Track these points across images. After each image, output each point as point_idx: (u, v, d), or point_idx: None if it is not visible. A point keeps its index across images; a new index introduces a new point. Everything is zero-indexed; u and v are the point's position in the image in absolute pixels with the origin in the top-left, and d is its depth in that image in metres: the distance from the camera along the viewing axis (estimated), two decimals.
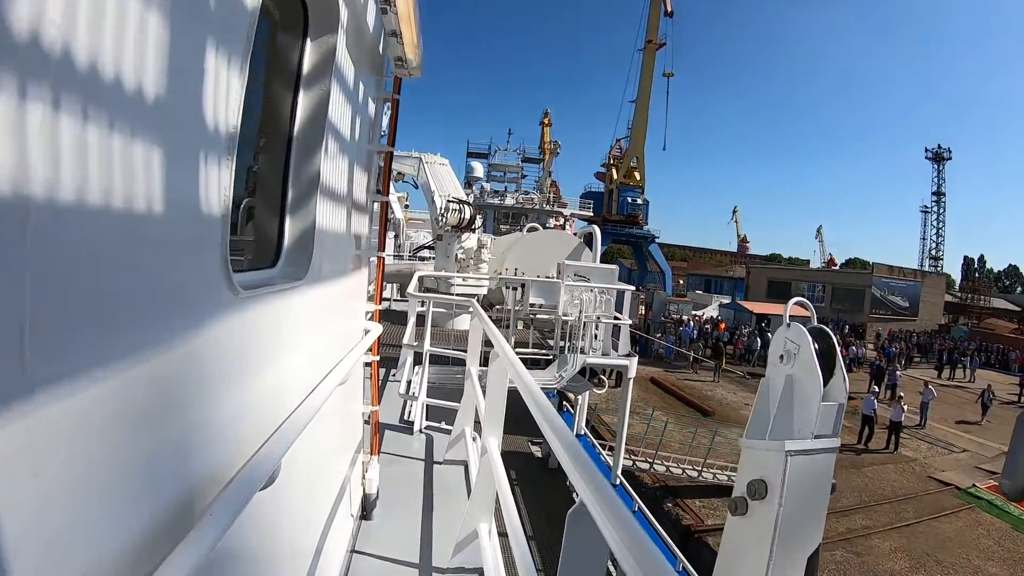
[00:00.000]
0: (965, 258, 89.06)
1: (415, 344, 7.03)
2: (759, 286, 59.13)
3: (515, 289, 9.17)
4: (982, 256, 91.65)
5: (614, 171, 56.05)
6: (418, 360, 7.01)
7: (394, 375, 8.35)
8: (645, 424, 20.29)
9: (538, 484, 13.71)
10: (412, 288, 6.90)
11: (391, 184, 13.69)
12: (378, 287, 4.30)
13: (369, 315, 4.24)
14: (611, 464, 11.76)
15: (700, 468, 17.69)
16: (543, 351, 9.63)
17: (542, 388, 2.64)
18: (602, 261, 11.94)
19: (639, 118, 55.33)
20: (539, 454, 15.13)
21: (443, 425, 6.71)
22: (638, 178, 56.02)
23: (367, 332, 4.06)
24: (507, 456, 3.44)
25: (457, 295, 10.41)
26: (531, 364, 9.36)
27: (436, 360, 9.10)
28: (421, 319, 7.20)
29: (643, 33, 55.97)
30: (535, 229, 15.00)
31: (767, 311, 45.26)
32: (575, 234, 12.98)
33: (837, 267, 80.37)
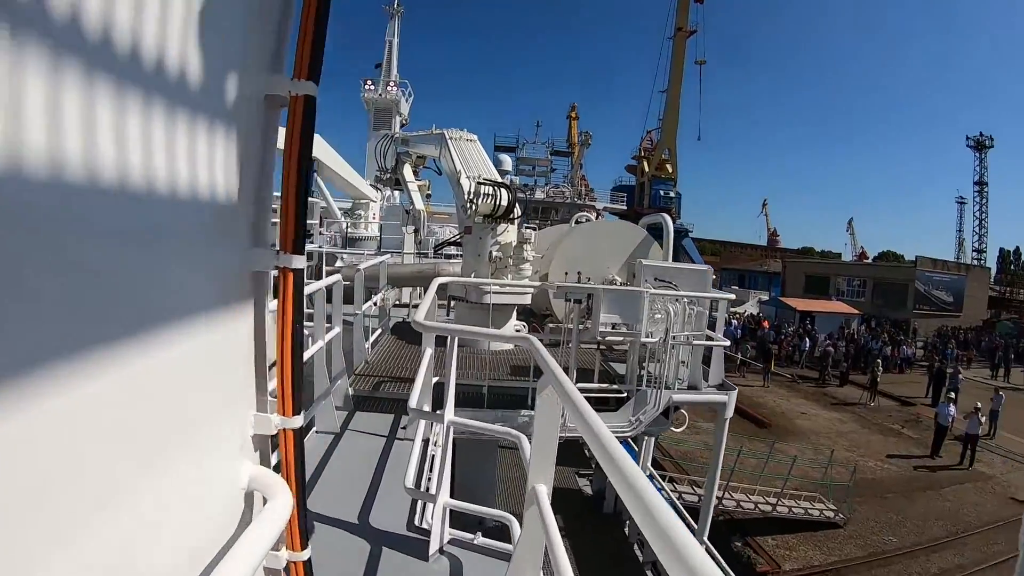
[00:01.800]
0: (1001, 250, 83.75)
1: (431, 410, 4.27)
2: (796, 281, 55.17)
3: (579, 302, 6.34)
4: (1018, 248, 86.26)
5: (645, 163, 52.87)
6: (438, 400, 4.26)
7: (403, 429, 5.63)
8: (703, 444, 17.28)
9: (590, 531, 11.03)
10: (424, 312, 4.00)
11: (410, 172, 10.82)
12: (284, 365, 1.42)
13: (270, 449, 1.42)
14: (690, 520, 8.95)
15: (776, 501, 14.68)
16: (612, 386, 6.80)
17: None
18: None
19: (670, 108, 51.99)
20: (589, 491, 12.33)
21: (478, 540, 3.94)
22: (670, 170, 52.76)
23: (250, 504, 1.29)
24: None
25: (492, 307, 7.65)
26: (598, 404, 6.61)
27: (466, 399, 6.38)
28: (442, 342, 4.45)
29: (672, 20, 52.72)
30: (585, 220, 12.15)
31: (811, 308, 41.80)
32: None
33: (869, 260, 76.18)
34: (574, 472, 12.75)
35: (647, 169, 52.55)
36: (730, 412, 7.48)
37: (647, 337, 6.34)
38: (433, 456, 4.14)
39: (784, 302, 45.72)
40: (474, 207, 7.97)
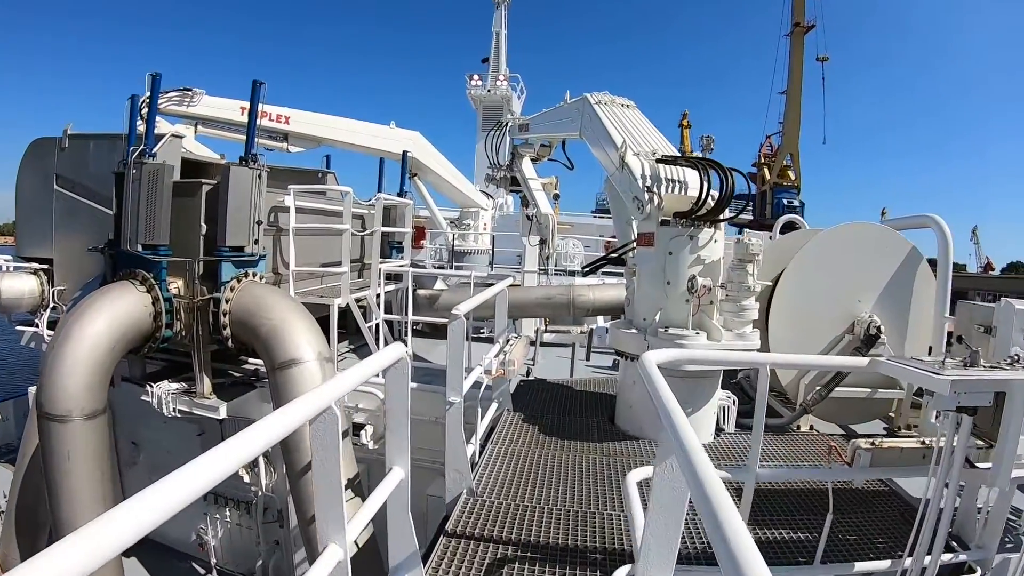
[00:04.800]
0: None
1: None
2: None
3: (972, 413, 2.51)
4: None
5: (766, 171, 47.13)
6: None
7: None
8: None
9: None
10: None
11: (531, 167, 7.33)
12: None
13: None
14: None
15: None
16: (958, 557, 3.10)
17: None
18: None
19: (791, 111, 45.99)
20: None
21: None
22: (792, 177, 46.73)
23: None
24: None
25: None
26: None
27: None
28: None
29: (788, 15, 46.83)
30: (793, 227, 8.23)
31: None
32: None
33: (996, 272, 66.27)
34: None
35: (768, 177, 46.87)
36: None
37: None
38: None
39: None
40: (657, 200, 4.47)
